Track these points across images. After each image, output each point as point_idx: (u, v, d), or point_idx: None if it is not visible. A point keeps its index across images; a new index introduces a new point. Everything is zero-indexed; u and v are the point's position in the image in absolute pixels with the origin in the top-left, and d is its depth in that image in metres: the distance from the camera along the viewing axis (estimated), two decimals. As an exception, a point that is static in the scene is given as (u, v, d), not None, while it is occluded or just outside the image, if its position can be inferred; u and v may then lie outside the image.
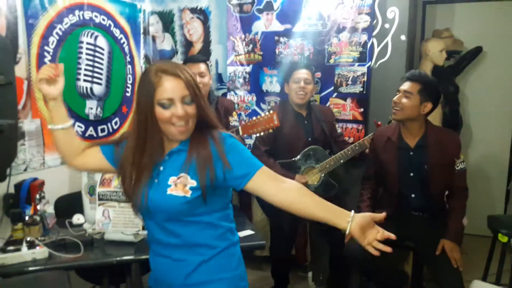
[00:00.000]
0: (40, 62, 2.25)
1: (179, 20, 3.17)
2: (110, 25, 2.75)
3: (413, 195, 2.20)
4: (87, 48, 2.57)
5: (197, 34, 3.15)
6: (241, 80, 3.07)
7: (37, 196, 2.00)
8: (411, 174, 2.18)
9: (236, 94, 3.09)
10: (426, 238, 2.12)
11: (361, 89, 2.73)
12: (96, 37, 2.62)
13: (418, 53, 3.23)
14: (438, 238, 2.07)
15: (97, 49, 2.64)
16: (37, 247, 1.73)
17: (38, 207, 1.96)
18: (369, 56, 2.69)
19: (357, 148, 2.44)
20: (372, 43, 2.67)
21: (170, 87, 1.13)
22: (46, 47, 2.28)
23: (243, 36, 3.01)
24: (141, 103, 1.17)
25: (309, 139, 2.54)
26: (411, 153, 2.17)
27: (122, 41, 2.88)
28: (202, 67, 2.53)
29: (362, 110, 2.75)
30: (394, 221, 2.14)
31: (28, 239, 1.75)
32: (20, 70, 2.12)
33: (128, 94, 2.93)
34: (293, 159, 2.49)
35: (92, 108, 2.63)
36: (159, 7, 3.20)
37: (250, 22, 2.98)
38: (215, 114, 1.26)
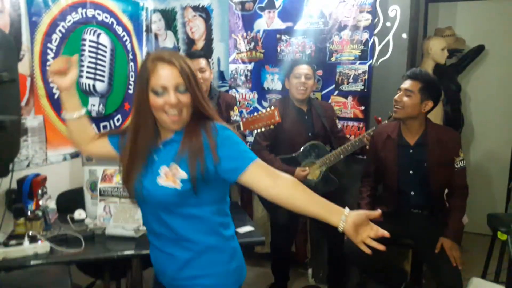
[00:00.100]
0: (43, 59, 2.27)
1: (181, 18, 3.19)
2: (112, 23, 2.77)
3: (412, 193, 2.21)
4: (89, 46, 2.58)
5: (199, 32, 3.16)
6: (242, 78, 3.08)
7: (39, 191, 2.02)
8: (411, 172, 2.19)
9: (237, 91, 3.10)
10: (426, 236, 2.13)
11: (362, 87, 2.74)
12: (98, 35, 2.64)
13: (420, 51, 3.22)
14: (437, 236, 2.07)
15: (100, 46, 2.66)
16: (39, 242, 1.75)
17: (40, 202, 1.99)
18: (370, 54, 2.69)
19: (357, 143, 2.45)
20: (374, 41, 2.68)
21: (164, 75, 1.14)
22: (49, 45, 2.30)
23: (245, 34, 3.02)
24: (137, 89, 1.20)
25: (310, 134, 2.55)
26: (411, 151, 2.18)
27: (124, 39, 2.89)
28: (202, 62, 2.54)
29: (363, 108, 2.76)
30: (393, 218, 2.15)
31: (30, 233, 1.78)
32: (23, 67, 2.14)
33: (130, 92, 2.94)
34: (293, 154, 2.50)
35: (94, 105, 2.66)
36: (162, 5, 3.21)
37: (252, 20, 2.99)
38: (213, 106, 1.25)
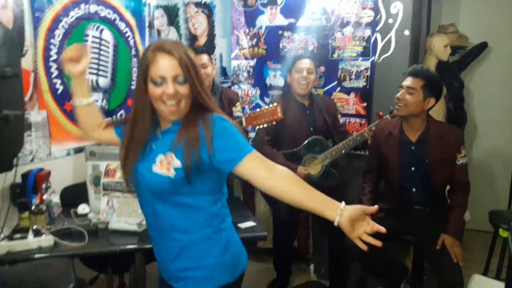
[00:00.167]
0: (46, 55, 2.28)
1: (184, 14, 3.19)
2: (115, 19, 2.78)
3: (414, 189, 2.21)
4: (92, 41, 2.60)
5: (202, 28, 3.17)
6: (245, 74, 3.08)
7: (43, 186, 2.04)
8: (412, 169, 2.19)
9: (240, 88, 3.11)
10: (427, 233, 2.13)
11: (365, 83, 2.74)
12: (101, 31, 2.65)
13: (423, 48, 3.22)
14: (438, 232, 2.07)
15: (103, 42, 2.67)
16: (43, 235, 1.77)
17: (44, 196, 2.00)
18: (373, 51, 2.69)
19: (358, 138, 2.45)
20: (376, 38, 2.67)
21: (162, 65, 1.14)
22: (52, 40, 2.32)
23: (247, 30, 3.02)
24: (137, 78, 1.22)
25: (311, 129, 2.55)
26: (413, 148, 2.18)
27: (127, 35, 2.90)
28: (204, 58, 2.54)
29: (365, 104, 2.76)
30: (395, 215, 2.16)
31: (34, 227, 1.80)
32: (26, 62, 2.16)
33: (133, 87, 2.96)
34: (295, 149, 2.50)
35: (97, 100, 2.67)
36: (164, 1, 3.21)
37: (254, 16, 2.99)
38: (213, 98, 1.24)
